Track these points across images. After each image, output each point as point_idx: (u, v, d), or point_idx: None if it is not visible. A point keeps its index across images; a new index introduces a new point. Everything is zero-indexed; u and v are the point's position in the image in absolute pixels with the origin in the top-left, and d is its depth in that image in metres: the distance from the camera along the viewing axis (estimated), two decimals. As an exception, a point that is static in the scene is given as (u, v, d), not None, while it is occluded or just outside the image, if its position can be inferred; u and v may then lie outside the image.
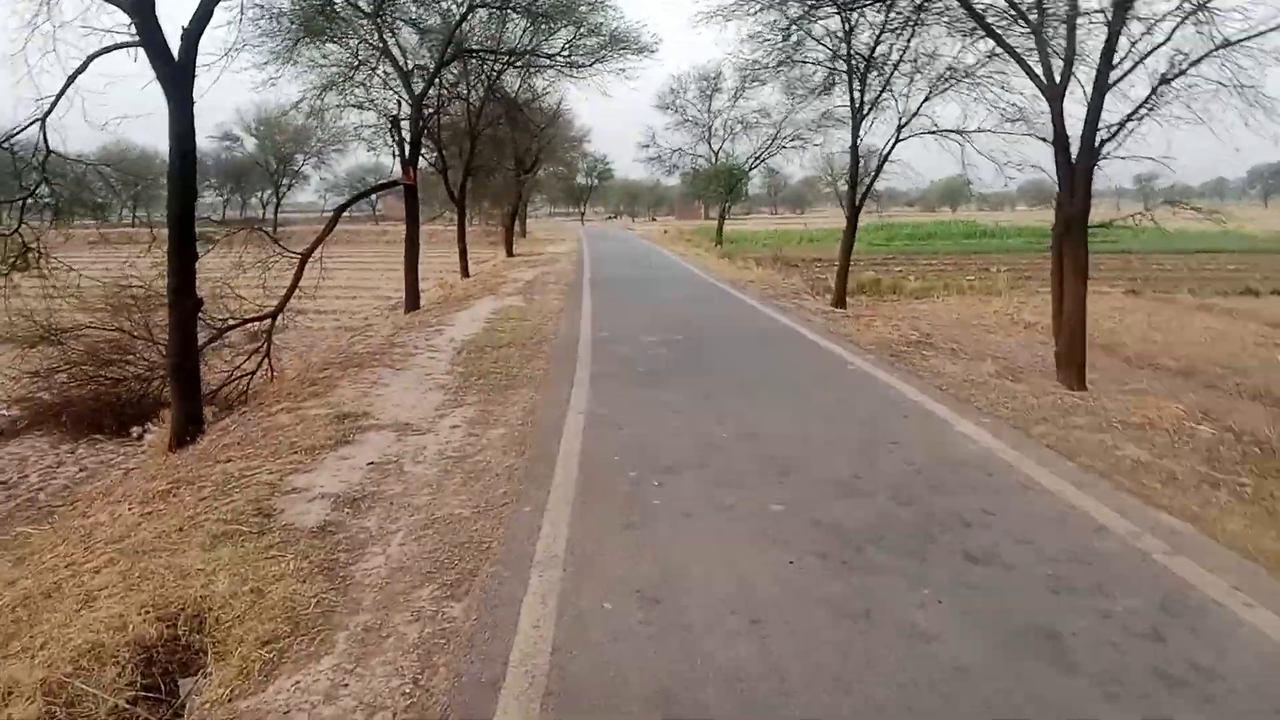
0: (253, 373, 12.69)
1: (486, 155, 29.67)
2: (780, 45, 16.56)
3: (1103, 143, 9.22)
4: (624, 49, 19.52)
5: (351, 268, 40.45)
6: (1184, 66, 8.71)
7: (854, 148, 16.49)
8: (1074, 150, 9.51)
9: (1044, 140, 15.60)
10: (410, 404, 7.95)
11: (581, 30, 19.51)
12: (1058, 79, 9.58)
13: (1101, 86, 9.02)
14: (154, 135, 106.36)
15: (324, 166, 78.53)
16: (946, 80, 16.18)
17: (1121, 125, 9.15)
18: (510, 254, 36.19)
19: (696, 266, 27.04)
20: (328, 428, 7.04)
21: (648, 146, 47.82)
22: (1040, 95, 10.08)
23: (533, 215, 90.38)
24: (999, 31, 10.33)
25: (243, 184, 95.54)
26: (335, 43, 18.04)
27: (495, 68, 23.55)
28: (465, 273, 26.94)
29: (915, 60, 16.13)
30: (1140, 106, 9.03)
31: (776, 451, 5.99)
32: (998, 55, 15.67)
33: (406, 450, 6.46)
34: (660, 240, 50.05)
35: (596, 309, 14.90)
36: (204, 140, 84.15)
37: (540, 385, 8.61)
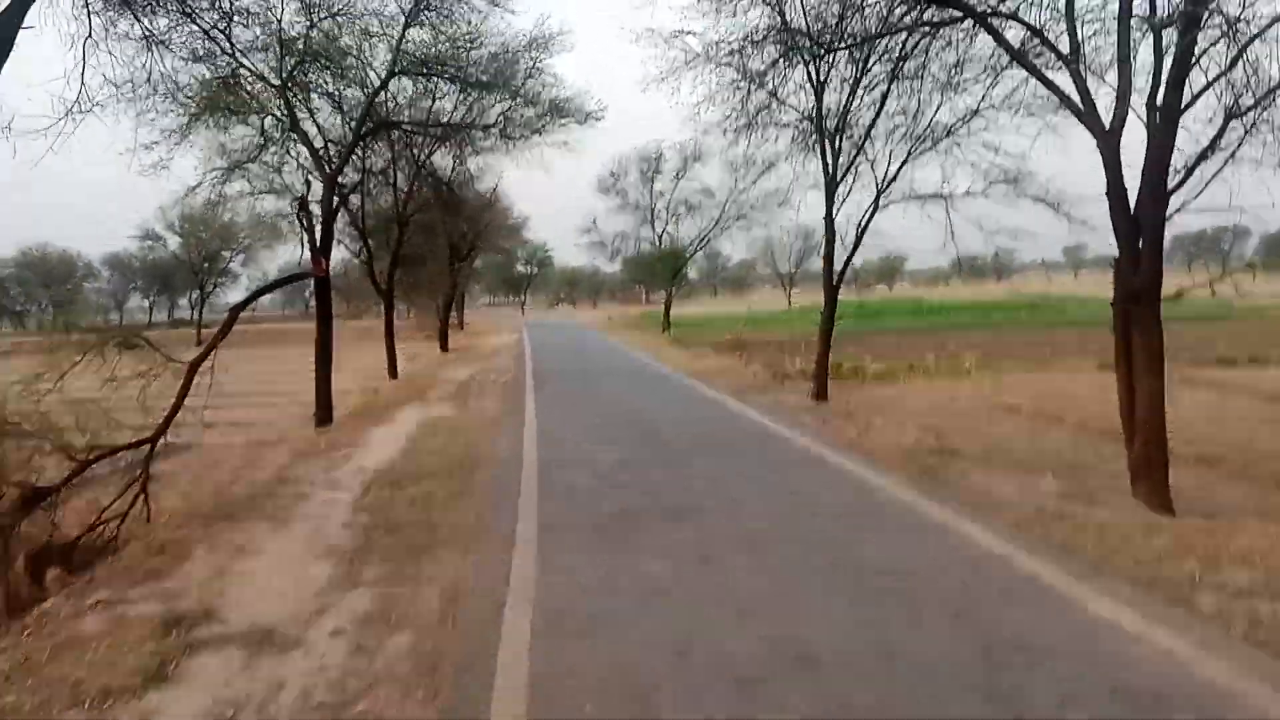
0: (124, 514, 10.19)
1: (417, 242, 27.54)
2: (740, 108, 14.84)
3: (1172, 190, 7.38)
4: (565, 119, 17.65)
5: (278, 370, 37.62)
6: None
7: (829, 218, 14.68)
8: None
9: (1040, 200, 14.20)
10: (282, 587, 5.53)
11: (517, 101, 17.65)
12: (1104, 117, 7.77)
13: (1171, 116, 7.20)
14: (75, 238, 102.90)
15: (252, 264, 75.35)
16: (924, 140, 14.62)
17: (1193, 167, 7.33)
18: (445, 349, 33.80)
19: (649, 356, 24.97)
20: (145, 645, 4.60)
21: (589, 231, 46.24)
22: (1029, 154, 8.29)
23: (470, 306, 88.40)
24: (1036, 64, 8.53)
25: (169, 285, 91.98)
26: (239, 119, 15.88)
27: (424, 147, 21.59)
28: (394, 373, 24.44)
29: (893, 117, 14.54)
30: (1217, 138, 7.23)
31: (858, 699, 3.68)
32: (981, 112, 14.25)
33: (253, 693, 4.05)
34: (605, 327, 48.14)
35: (542, 416, 12.61)
36: (126, 241, 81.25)
37: (469, 545, 6.27)
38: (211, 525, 7.28)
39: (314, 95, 16.31)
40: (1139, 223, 7.56)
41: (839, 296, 15.45)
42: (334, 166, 15.39)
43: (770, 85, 15.05)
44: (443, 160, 24.30)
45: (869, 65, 14.18)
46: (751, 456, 8.97)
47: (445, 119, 18.67)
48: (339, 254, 25.98)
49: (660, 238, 44.03)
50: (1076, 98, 7.98)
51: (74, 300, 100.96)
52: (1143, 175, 7.53)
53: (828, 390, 14.80)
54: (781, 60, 14.24)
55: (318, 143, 16.33)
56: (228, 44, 14.07)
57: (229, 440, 21.11)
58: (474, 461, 9.50)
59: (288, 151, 17.05)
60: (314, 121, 17.11)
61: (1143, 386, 7.54)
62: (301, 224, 14.40)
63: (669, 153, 41.66)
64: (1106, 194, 7.76)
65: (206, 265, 71.99)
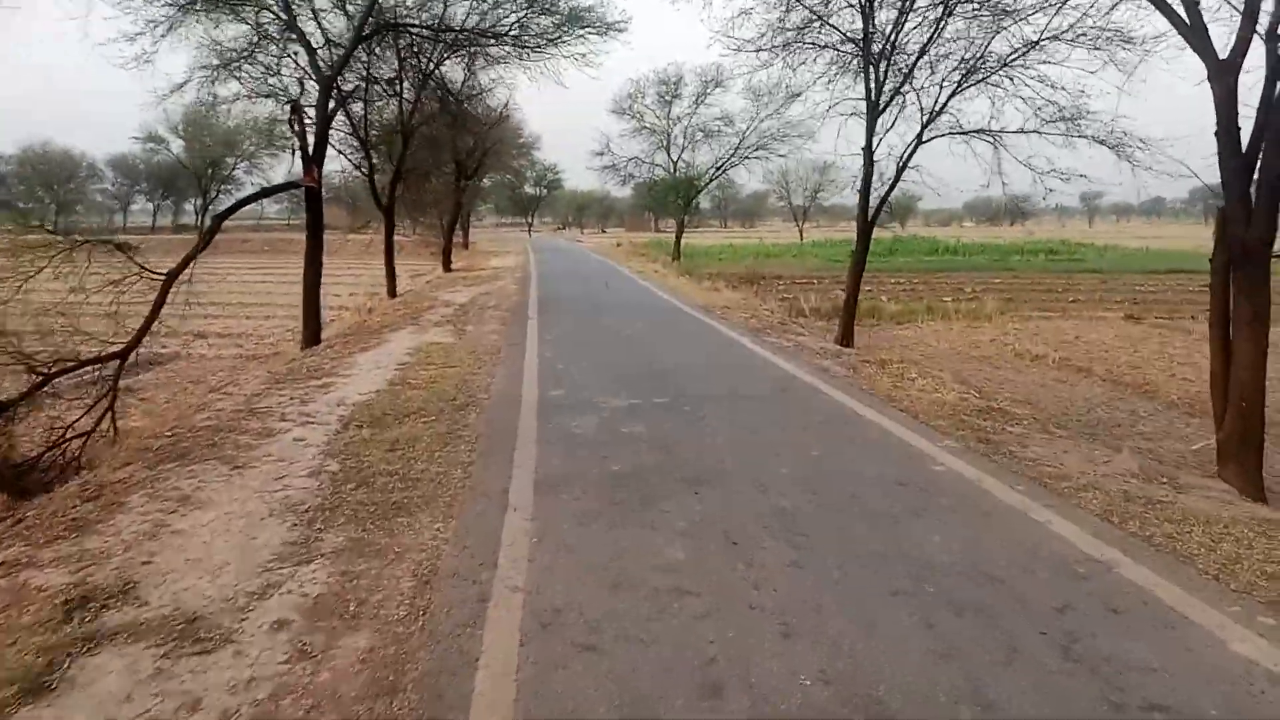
0: (89, 432, 9.34)
1: (421, 157, 26.14)
2: (779, 25, 13.52)
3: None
4: (585, 28, 16.18)
5: (278, 281, 36.53)
6: None
7: (868, 149, 13.45)
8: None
9: (1100, 143, 12.94)
10: (223, 556, 4.58)
11: (533, 8, 16.19)
12: (1220, 48, 6.57)
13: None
14: (81, 137, 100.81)
15: (257, 171, 73.37)
16: (975, 71, 13.32)
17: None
18: (447, 269, 32.66)
19: (658, 286, 23.82)
20: (35, 635, 3.67)
21: (601, 154, 44.42)
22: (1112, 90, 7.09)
23: (478, 225, 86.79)
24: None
25: (173, 189, 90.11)
26: (232, 13, 14.51)
27: (433, 56, 20.14)
28: (392, 292, 23.41)
29: (945, 44, 13.23)
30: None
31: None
32: (1041, 44, 12.96)
33: (157, 718, 3.13)
34: (613, 254, 46.79)
35: (545, 349, 11.58)
36: (128, 143, 79.33)
37: (452, 506, 5.31)
38: (160, 465, 6.31)
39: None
40: (1253, 170, 6.41)
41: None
42: (332, 69, 14.07)
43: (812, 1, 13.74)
44: (453, 71, 22.87)
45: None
46: (777, 409, 7.94)
47: (457, 26, 17.23)
48: (340, 164, 24.64)
49: (675, 164, 42.46)
50: (1184, 16, 6.78)
51: (78, 200, 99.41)
52: (1262, 116, 6.37)
53: (853, 334, 13.71)
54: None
55: (317, 42, 15.00)
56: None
57: (218, 353, 20.34)
58: (467, 398, 8.51)
59: (285, 52, 15.70)
60: (317, 21, 15.73)
61: (1242, 353, 6.49)
62: (294, 129, 13.17)
63: (689, 77, 40.00)
64: (1216, 134, 6.59)
65: (210, 171, 70.29)
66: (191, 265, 11.64)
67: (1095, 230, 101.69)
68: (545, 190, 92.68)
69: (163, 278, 11.16)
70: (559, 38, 16.43)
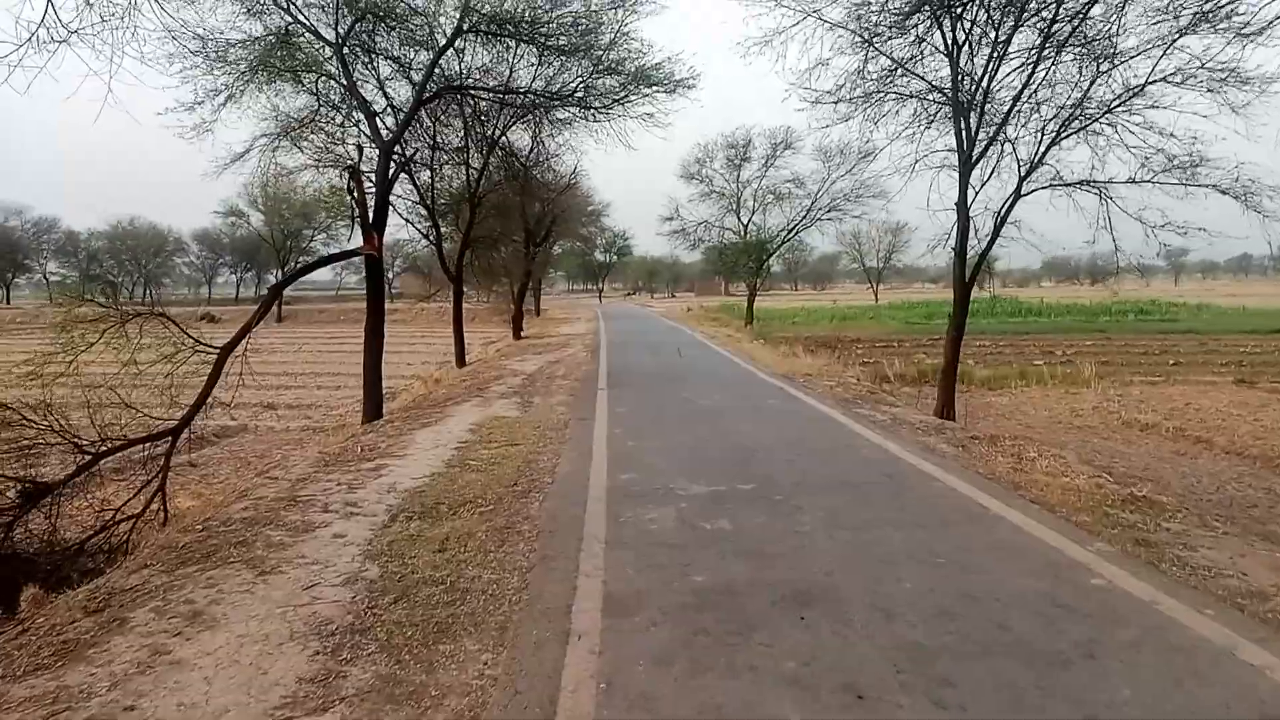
0: (138, 515, 8.77)
1: (489, 225, 25.89)
2: (858, 74, 12.72)
3: None
4: (652, 87, 15.57)
5: (350, 349, 36.65)
6: None
7: (962, 203, 12.44)
8: None
9: (1223, 193, 11.71)
10: (224, 698, 3.73)
11: (599, 68, 15.70)
12: None
13: None
14: (165, 213, 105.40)
15: (334, 242, 75.02)
16: (1074, 119, 12.30)
17: None
18: (518, 336, 32.27)
19: (733, 352, 22.84)
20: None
21: (671, 219, 44.07)
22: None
23: (548, 292, 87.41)
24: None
25: (254, 261, 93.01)
26: (292, 80, 14.33)
27: (497, 121, 19.86)
28: (461, 361, 22.93)
29: (1038, 91, 12.24)
30: None
31: None
32: (1146, 89, 11.95)
33: None
34: (684, 319, 46.07)
35: (615, 424, 10.69)
36: (211, 216, 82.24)
37: (505, 631, 4.40)
38: (180, 568, 5.55)
39: (375, 56, 14.66)
40: None
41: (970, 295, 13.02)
42: (392, 133, 13.70)
43: (891, 48, 12.94)
44: (519, 139, 22.62)
45: (1020, 22, 11.94)
46: (885, 500, 6.85)
47: (521, 89, 16.88)
48: (409, 233, 24.54)
49: (746, 227, 41.80)
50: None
51: (165, 274, 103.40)
52: None
53: (954, 405, 12.52)
54: (910, 14, 12.17)
55: (379, 107, 14.71)
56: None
57: (286, 425, 19.98)
58: (529, 482, 7.64)
59: (347, 118, 15.47)
60: (381, 87, 15.51)
61: None
62: (353, 196, 12.75)
63: (758, 140, 39.59)
64: None
65: (288, 243, 72.09)
66: (247, 339, 11.13)
67: (1182, 289, 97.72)
68: (615, 256, 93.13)
69: (217, 352, 10.69)
70: (625, 98, 15.88)
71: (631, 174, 36.74)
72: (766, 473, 7.78)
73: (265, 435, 18.77)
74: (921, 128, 13.30)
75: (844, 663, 3.86)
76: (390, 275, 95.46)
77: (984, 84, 12.05)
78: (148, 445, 9.84)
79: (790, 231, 40.79)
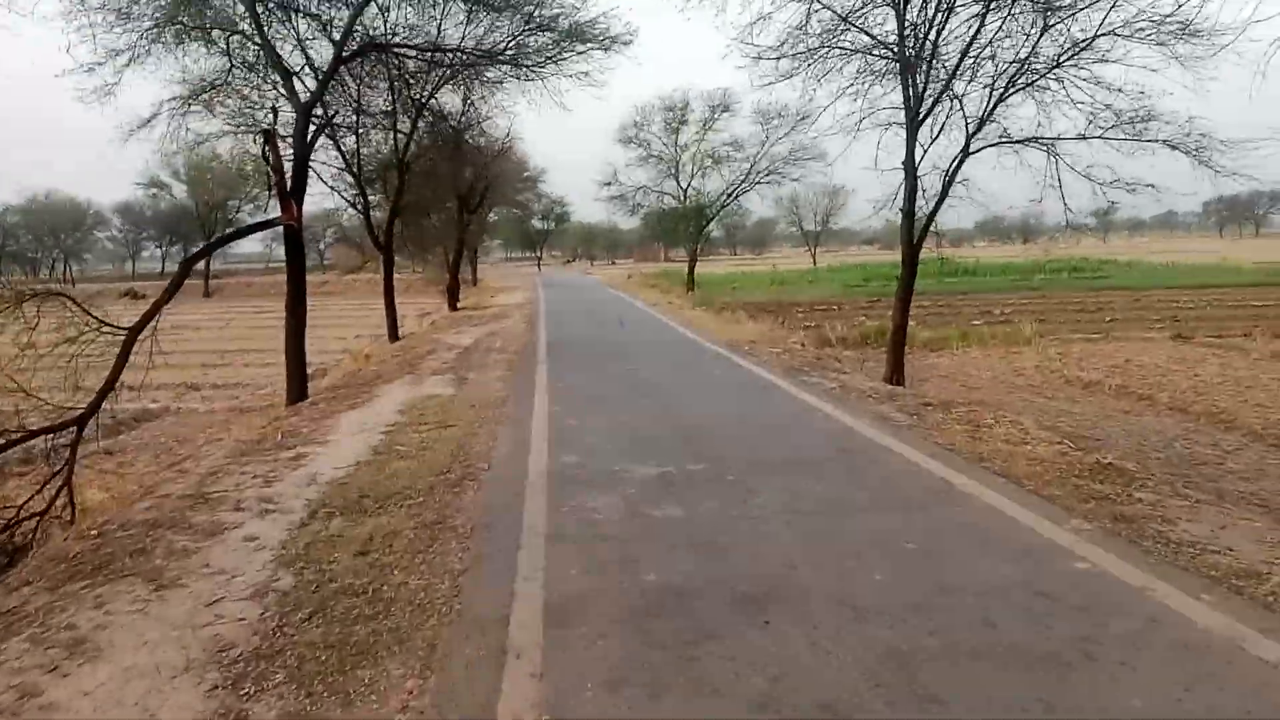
0: (42, 513, 8.06)
1: (420, 193, 24.90)
2: (802, 29, 12.21)
3: None
4: (587, 44, 14.84)
5: (277, 325, 35.30)
6: None
7: (910, 163, 12.04)
8: None
9: (1173, 148, 11.53)
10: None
11: (530, 25, 14.91)
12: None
13: None
14: (87, 185, 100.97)
15: (260, 212, 72.22)
16: (1022, 74, 11.98)
17: None
18: (454, 307, 31.38)
19: (675, 320, 22.39)
20: None
21: (609, 184, 43.21)
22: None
23: (485, 260, 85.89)
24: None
25: (179, 234, 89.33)
26: (201, 38, 13.30)
27: (426, 83, 18.92)
28: (393, 335, 22.07)
29: (988, 46, 11.87)
30: None
31: None
32: (1094, 43, 11.68)
33: None
34: (625, 286, 45.50)
35: (555, 401, 10.15)
36: (131, 189, 78.78)
37: (433, 649, 3.88)
38: (68, 583, 4.90)
39: (292, 14, 13.66)
40: None
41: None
42: (311, 95, 12.80)
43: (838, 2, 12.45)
44: (450, 102, 21.65)
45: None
46: (844, 478, 6.43)
47: (449, 46, 15.97)
48: (336, 202, 23.49)
49: (685, 192, 41.23)
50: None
51: (86, 249, 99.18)
52: None
53: (903, 370, 12.23)
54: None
55: (298, 65, 13.77)
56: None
57: (211, 406, 19.02)
58: (463, 469, 7.08)
59: (264, 79, 14.46)
60: (300, 44, 14.51)
61: None
62: (268, 162, 11.85)
63: (696, 103, 38.96)
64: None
65: (214, 214, 69.35)
66: (157, 318, 10.31)
67: (1111, 246, 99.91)
68: (553, 223, 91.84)
69: (124, 333, 9.90)
70: (559, 56, 15.13)
71: (569, 138, 35.91)
72: (716, 450, 7.32)
73: (189, 418, 17.88)
74: (866, 85, 12.87)
75: (817, 677, 3.42)
76: (322, 246, 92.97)
77: (931, 38, 11.63)
78: (51, 436, 9.12)
79: (730, 196, 40.35)
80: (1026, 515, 5.39)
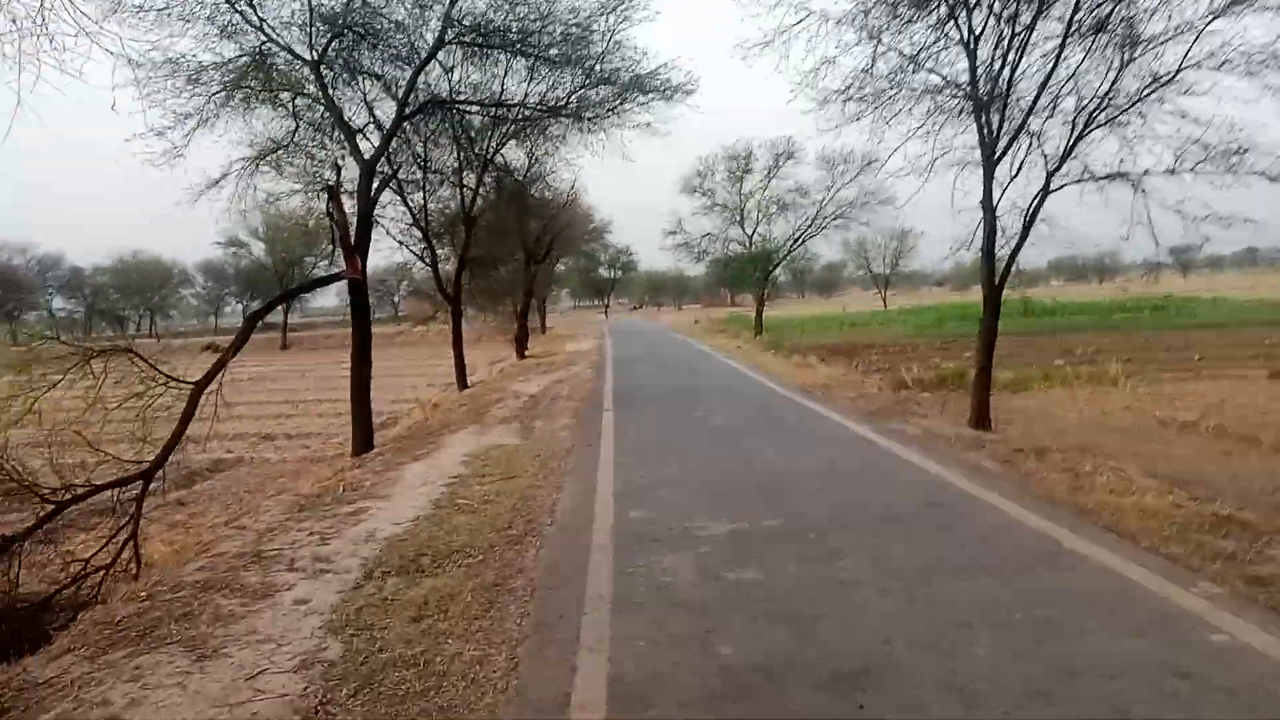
0: (107, 566, 7.96)
1: (487, 245, 25.06)
2: (867, 72, 11.84)
3: None
4: (649, 94, 14.71)
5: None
6: None
7: (988, 202, 11.48)
8: None
9: (1273, 180, 10.79)
10: None
11: (591, 78, 14.86)
12: None
13: None
14: (173, 246, 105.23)
15: (337, 267, 73.93)
16: (1103, 108, 11.41)
17: None
18: (522, 355, 31.41)
19: (745, 364, 21.90)
20: None
21: (674, 233, 43.33)
22: None
23: (554, 308, 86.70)
24: None
25: (259, 292, 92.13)
26: (270, 102, 13.52)
27: (491, 139, 19.04)
28: (462, 383, 22.04)
29: (1066, 82, 11.35)
30: None
31: None
32: (1184, 70, 11.09)
33: None
34: (692, 331, 45.16)
35: (622, 450, 9.77)
36: (211, 248, 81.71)
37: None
38: (109, 650, 4.66)
39: (357, 75, 13.82)
40: None
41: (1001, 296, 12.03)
42: (375, 151, 12.84)
43: (900, 42, 12.07)
44: (514, 156, 21.81)
45: (1045, 8, 11.06)
46: (939, 538, 5.86)
47: (511, 101, 16.01)
48: (402, 256, 23.77)
49: (751, 238, 40.97)
50: None
51: (172, 306, 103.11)
52: None
53: (989, 415, 11.55)
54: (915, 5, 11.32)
55: (362, 122, 13.90)
56: (254, 15, 11.80)
57: (284, 456, 19.15)
58: (525, 524, 6.73)
59: (330, 137, 14.63)
60: (366, 104, 14.68)
61: None
62: (331, 218, 11.85)
63: (759, 151, 38.93)
64: None
65: (291, 270, 71.30)
66: (221, 373, 10.28)
67: (1191, 284, 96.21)
68: (620, 272, 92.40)
69: (190, 387, 9.89)
70: (621, 107, 15.01)
71: (635, 181, 35.91)
72: (795, 505, 6.83)
73: (261, 468, 18.01)
74: (938, 126, 12.38)
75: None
76: (396, 299, 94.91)
77: (1006, 75, 11.13)
78: (118, 490, 9.09)
79: (797, 241, 40.00)
80: (1147, 578, 4.79)
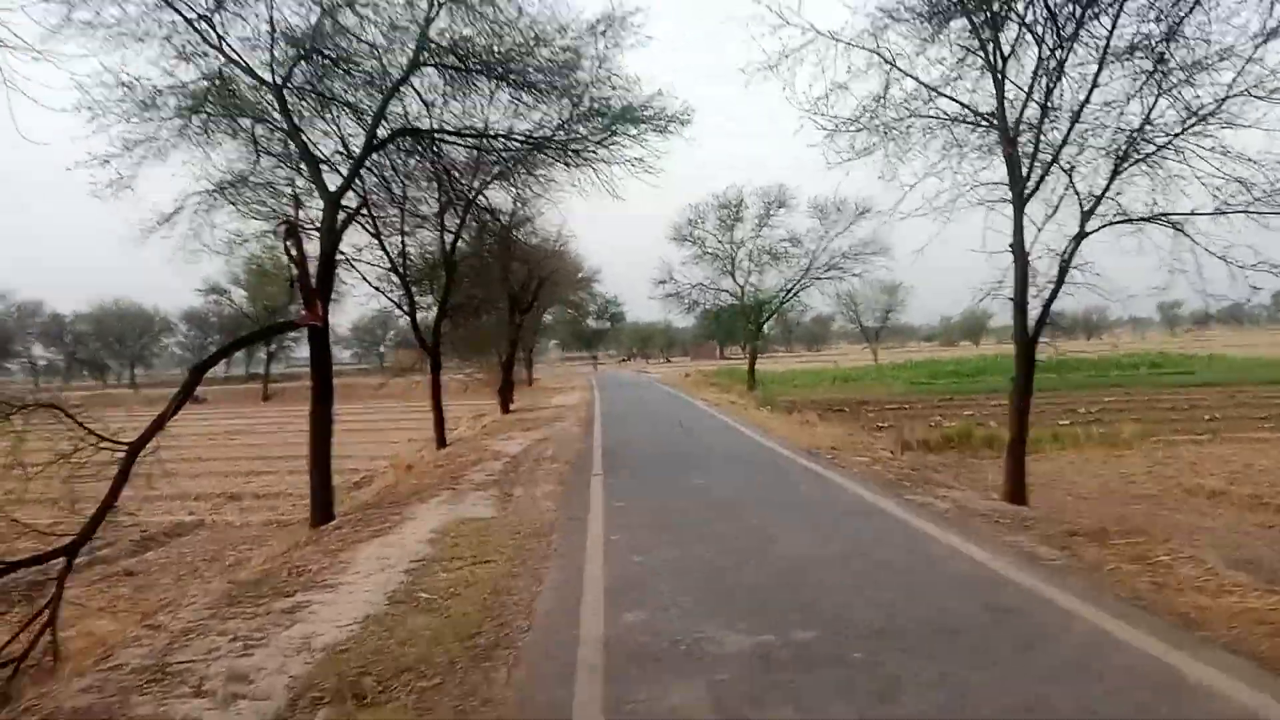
0: (19, 660, 6.72)
1: (470, 292, 23.96)
2: (879, 100, 10.92)
3: None
4: (641, 126, 13.69)
5: (336, 427, 34.35)
6: None
7: (1019, 245, 10.48)
8: None
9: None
10: None
11: (578, 110, 13.87)
12: None
13: None
14: (157, 290, 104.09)
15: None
16: (1137, 143, 10.52)
17: None
18: (506, 409, 30.16)
19: (742, 422, 20.71)
20: None
21: (664, 282, 42.52)
22: None
23: (541, 360, 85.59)
24: None
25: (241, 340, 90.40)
26: (229, 130, 12.48)
27: (473, 179, 18.04)
28: (441, 440, 20.74)
29: (1101, 113, 10.45)
30: None
31: None
32: (1221, 110, 10.25)
33: None
34: (683, 385, 44.03)
35: (614, 525, 8.53)
36: (192, 295, 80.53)
37: None
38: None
39: (326, 101, 12.79)
40: None
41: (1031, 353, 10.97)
42: (342, 182, 11.75)
43: (917, 67, 11.19)
44: (499, 198, 20.76)
45: (1078, 32, 10.20)
46: (1020, 661, 4.56)
47: (491, 132, 14.96)
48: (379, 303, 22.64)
49: (743, 289, 40.13)
50: None
51: (155, 354, 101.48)
52: None
53: (1025, 487, 10.37)
54: (935, 21, 10.43)
55: (328, 151, 12.85)
56: (213, 34, 10.83)
57: (247, 519, 17.85)
58: (496, 633, 5.45)
59: (295, 169, 13.56)
60: (339, 133, 13.64)
61: None
62: (290, 256, 10.69)
63: (751, 198, 38.35)
64: None
65: (274, 318, 70.01)
66: (159, 434, 9.06)
67: (1180, 340, 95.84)
68: (609, 323, 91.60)
69: (124, 449, 8.69)
70: (610, 139, 13.97)
71: (621, 235, 35.23)
72: (828, 607, 5.56)
73: (223, 532, 16.82)
74: (957, 161, 11.44)
75: None
76: (381, 349, 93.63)
77: (1042, 102, 10.20)
78: (36, 568, 7.92)
79: (790, 292, 39.26)
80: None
